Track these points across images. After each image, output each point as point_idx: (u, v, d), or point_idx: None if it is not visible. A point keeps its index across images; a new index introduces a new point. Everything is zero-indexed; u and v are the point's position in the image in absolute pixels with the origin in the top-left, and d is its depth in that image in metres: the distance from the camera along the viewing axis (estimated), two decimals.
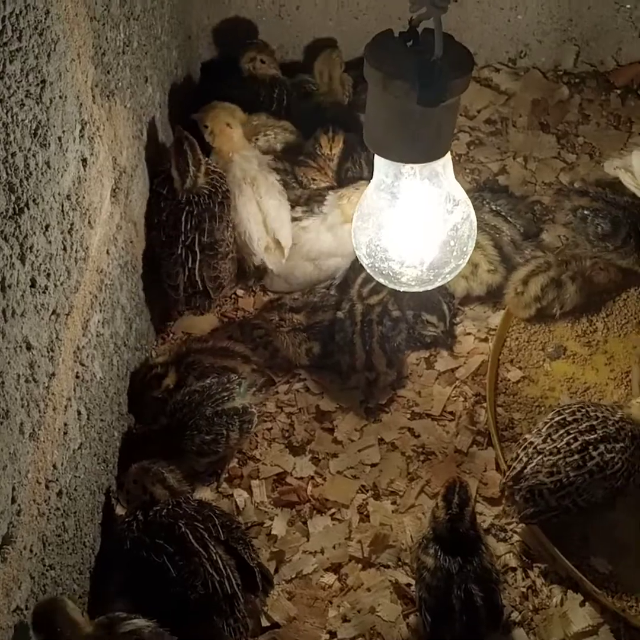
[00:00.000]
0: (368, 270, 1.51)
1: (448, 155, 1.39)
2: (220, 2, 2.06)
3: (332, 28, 2.10)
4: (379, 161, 1.40)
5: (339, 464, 1.67)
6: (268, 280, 1.87)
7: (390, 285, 1.51)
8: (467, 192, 1.87)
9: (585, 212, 1.81)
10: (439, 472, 1.63)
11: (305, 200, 1.86)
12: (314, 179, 1.88)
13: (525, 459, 1.50)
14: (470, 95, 2.25)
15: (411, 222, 1.45)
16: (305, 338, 1.74)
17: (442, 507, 1.37)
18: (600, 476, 1.47)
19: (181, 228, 1.66)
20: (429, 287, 1.50)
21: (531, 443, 1.51)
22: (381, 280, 1.51)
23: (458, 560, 1.35)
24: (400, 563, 1.54)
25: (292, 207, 1.88)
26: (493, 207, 1.90)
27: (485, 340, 1.81)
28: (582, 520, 1.54)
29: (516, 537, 1.56)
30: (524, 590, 1.50)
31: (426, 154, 1.35)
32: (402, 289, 1.53)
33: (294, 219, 1.85)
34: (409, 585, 1.50)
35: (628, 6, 2.10)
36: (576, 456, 1.46)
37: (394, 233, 1.46)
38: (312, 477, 1.65)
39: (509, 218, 1.90)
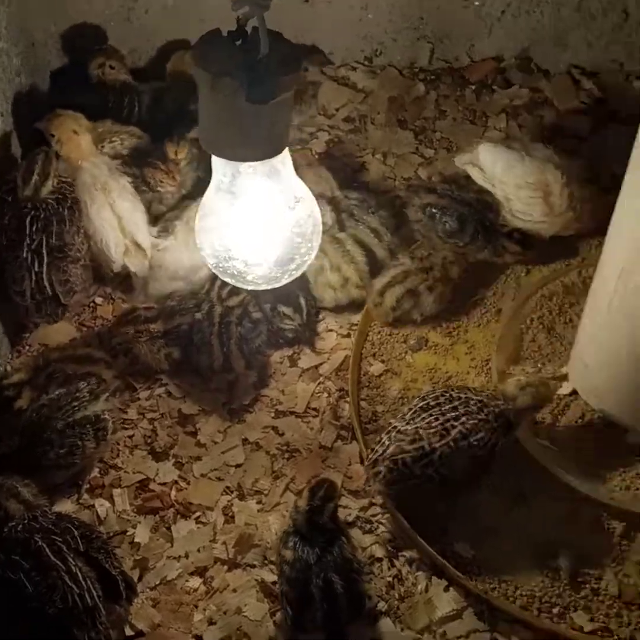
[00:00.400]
0: (214, 271, 1.50)
1: (286, 152, 1.39)
2: (66, 8, 2.01)
3: (183, 31, 2.08)
4: (216, 161, 1.39)
5: (202, 467, 1.64)
6: (139, 296, 1.83)
7: (238, 285, 1.50)
8: (331, 191, 1.89)
9: (433, 210, 1.84)
10: (303, 468, 1.62)
11: (156, 222, 1.83)
12: (161, 182, 1.86)
13: (387, 442, 1.51)
14: (328, 94, 2.26)
15: (252, 220, 1.44)
16: (164, 344, 1.72)
17: (306, 499, 1.36)
18: (464, 443, 1.48)
19: (25, 231, 1.62)
20: (277, 285, 1.50)
21: (395, 427, 1.52)
22: (228, 280, 1.50)
23: (316, 551, 1.34)
24: (266, 562, 1.52)
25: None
26: (357, 210, 1.90)
27: (348, 336, 1.81)
28: (446, 506, 1.54)
29: (382, 528, 1.56)
30: (390, 579, 1.50)
31: (261, 151, 1.34)
32: (249, 288, 1.52)
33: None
34: (275, 583, 1.49)
35: (477, 3, 2.13)
36: (439, 428, 1.49)
37: (236, 232, 1.45)
38: (176, 482, 1.63)
39: (373, 216, 1.90)
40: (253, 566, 1.52)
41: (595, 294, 1.52)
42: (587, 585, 1.48)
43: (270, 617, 1.46)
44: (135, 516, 1.58)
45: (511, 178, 1.85)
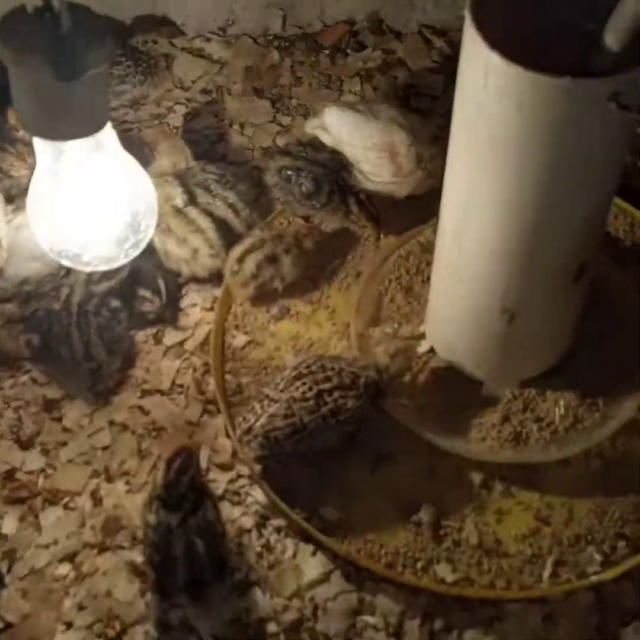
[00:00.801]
0: (51, 255, 1.48)
1: (109, 128, 1.37)
2: None
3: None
4: (36, 141, 1.37)
5: (69, 452, 1.64)
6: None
7: (77, 267, 1.49)
8: (187, 162, 1.88)
9: (289, 172, 1.83)
10: (169, 446, 1.62)
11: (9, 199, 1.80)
12: (12, 165, 1.82)
13: (259, 411, 1.53)
14: (183, 67, 2.25)
15: (81, 200, 1.43)
16: (23, 330, 1.69)
17: (162, 472, 1.40)
18: (333, 421, 1.50)
19: None
20: (115, 265, 1.50)
21: (267, 396, 1.54)
22: (66, 263, 1.49)
23: (179, 515, 1.38)
24: (135, 542, 1.53)
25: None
26: (214, 185, 1.89)
27: (212, 309, 1.81)
28: (311, 472, 1.56)
29: (250, 499, 1.59)
30: (259, 549, 1.53)
31: (79, 129, 1.33)
32: (87, 270, 1.51)
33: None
34: (144, 562, 1.49)
35: None
36: (311, 402, 1.50)
37: (65, 213, 1.43)
38: (43, 469, 1.62)
39: (230, 189, 1.89)
40: (122, 548, 1.53)
41: (438, 254, 1.55)
42: (449, 537, 1.52)
43: (141, 597, 1.47)
44: (2, 507, 1.57)
45: (358, 140, 1.86)
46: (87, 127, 1.34)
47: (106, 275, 1.72)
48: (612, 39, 1.17)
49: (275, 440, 1.50)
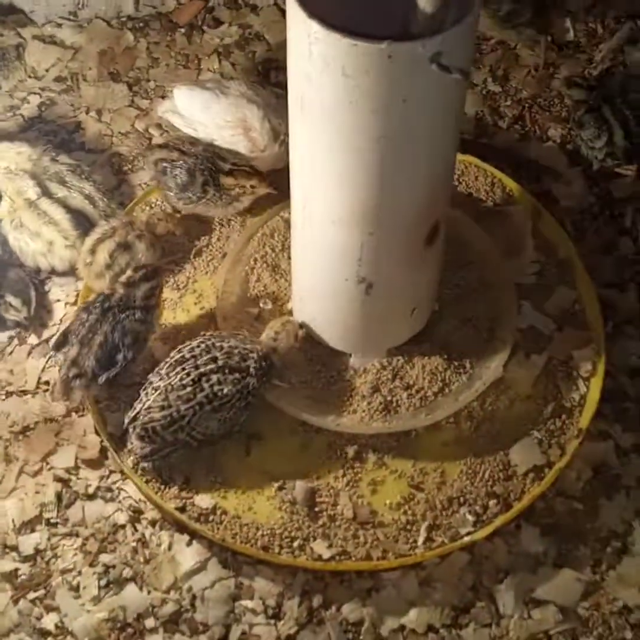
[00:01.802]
0: None
1: None
2: None
3: None
4: None
5: None
6: None
7: None
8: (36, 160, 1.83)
9: (165, 164, 1.80)
10: (36, 447, 1.61)
11: None
12: None
13: (144, 399, 1.51)
14: (35, 55, 2.19)
15: None
16: None
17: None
18: (209, 408, 1.49)
19: None
20: None
21: (151, 383, 1.52)
22: None
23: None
24: (6, 550, 1.49)
25: None
26: (68, 176, 1.85)
27: (75, 303, 1.77)
28: (186, 459, 1.54)
29: (123, 494, 1.57)
30: (134, 544, 1.52)
31: None
32: None
33: None
34: (16, 570, 1.47)
35: None
36: (188, 389, 1.48)
37: None
38: None
39: (86, 180, 1.85)
40: None
41: (293, 228, 1.54)
42: (324, 513, 1.52)
43: (13, 605, 1.44)
44: None
45: (209, 119, 1.83)
46: None
47: None
48: (424, 0, 1.16)
49: (153, 431, 1.48)
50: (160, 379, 1.48)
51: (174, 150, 1.82)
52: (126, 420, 1.51)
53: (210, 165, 1.80)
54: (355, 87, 1.21)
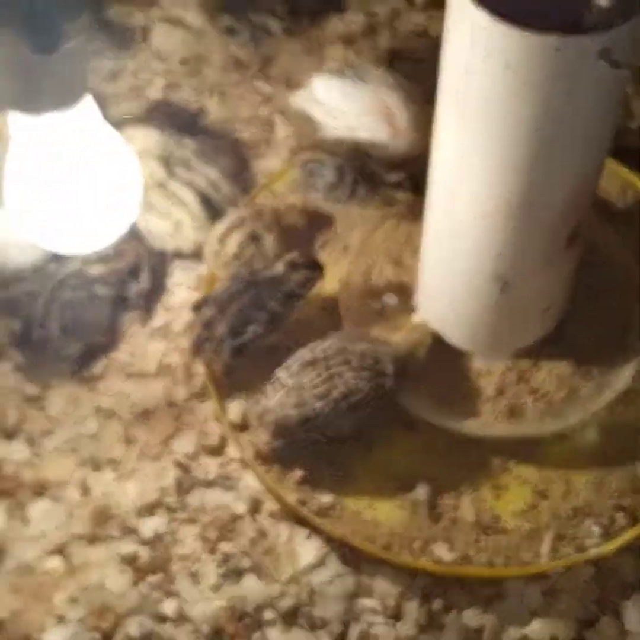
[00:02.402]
0: (31, 238, 1.44)
1: (90, 100, 1.33)
2: None
3: None
4: (12, 118, 1.33)
5: (55, 441, 1.62)
6: None
7: (59, 250, 1.45)
8: (167, 138, 1.83)
9: (310, 165, 1.76)
10: (156, 431, 1.60)
11: None
12: None
13: (272, 395, 1.49)
14: (161, 37, 2.19)
15: (62, 178, 1.38)
16: (3, 315, 1.66)
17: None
18: (345, 404, 1.46)
19: None
20: (100, 246, 1.45)
21: (278, 379, 1.50)
22: (55, 249, 1.45)
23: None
24: (125, 531, 1.50)
25: None
26: (194, 160, 1.84)
27: (198, 289, 1.77)
28: (307, 454, 1.52)
29: (243, 483, 1.56)
30: (254, 535, 1.51)
31: (58, 101, 1.30)
32: (71, 253, 1.47)
33: None
34: (136, 552, 1.47)
35: None
36: (322, 388, 1.45)
37: (45, 194, 1.39)
38: (29, 460, 1.58)
39: (211, 164, 1.85)
40: (113, 538, 1.51)
41: (427, 222, 1.52)
42: (446, 516, 1.49)
43: (134, 587, 1.44)
44: None
45: (350, 106, 1.80)
46: (66, 100, 1.31)
47: (89, 259, 1.67)
48: None
49: (287, 429, 1.46)
50: (291, 376, 1.46)
51: (320, 151, 1.78)
52: (253, 415, 1.50)
53: (360, 164, 1.75)
54: (518, 80, 1.17)
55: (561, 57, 1.16)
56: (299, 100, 1.97)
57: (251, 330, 1.57)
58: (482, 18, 1.17)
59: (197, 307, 1.62)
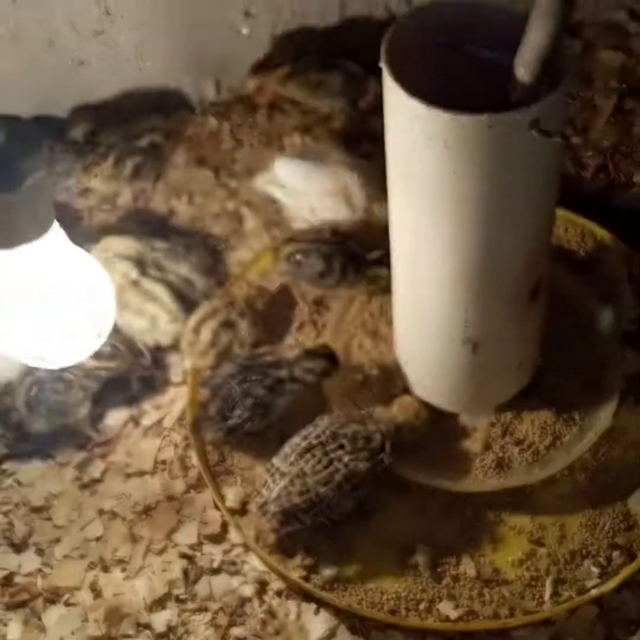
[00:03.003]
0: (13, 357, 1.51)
1: (56, 228, 1.41)
2: None
3: None
4: None
5: (63, 548, 1.65)
6: None
7: (41, 365, 1.52)
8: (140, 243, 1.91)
9: (297, 257, 1.82)
10: (159, 526, 1.64)
11: None
12: None
13: (271, 485, 1.53)
14: None
15: (36, 302, 1.46)
16: None
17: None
18: (348, 486, 1.51)
19: None
20: (81, 357, 1.52)
21: (277, 468, 1.54)
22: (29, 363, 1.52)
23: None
24: (140, 629, 1.53)
25: None
26: (164, 261, 1.91)
27: (185, 383, 1.82)
28: (306, 529, 1.57)
29: (247, 567, 1.59)
30: (263, 616, 1.54)
31: (26, 234, 1.37)
32: (53, 367, 1.54)
33: None
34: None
35: (244, 32, 2.17)
36: (323, 473, 1.51)
37: (21, 317, 1.47)
38: (40, 570, 1.63)
39: (181, 262, 1.92)
40: (128, 636, 1.54)
41: (394, 292, 1.58)
42: (447, 574, 1.53)
43: None
44: (4, 614, 1.58)
45: (311, 188, 1.88)
46: (34, 232, 1.38)
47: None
48: (522, 71, 1.21)
49: (294, 517, 1.51)
50: (291, 465, 1.51)
51: (301, 241, 1.84)
52: (256, 506, 1.55)
53: (343, 248, 1.81)
54: (458, 158, 1.25)
55: (494, 133, 1.24)
56: (260, 183, 2.05)
57: (237, 414, 1.63)
58: (417, 106, 1.25)
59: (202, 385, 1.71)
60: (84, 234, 1.93)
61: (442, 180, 1.29)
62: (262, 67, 2.25)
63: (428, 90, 1.25)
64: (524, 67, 1.23)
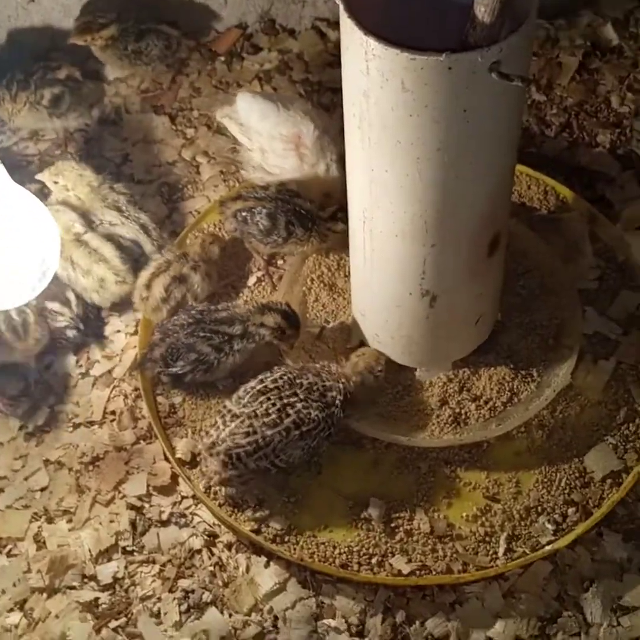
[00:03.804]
0: None
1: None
2: None
3: None
4: None
5: (6, 498, 1.61)
6: None
7: None
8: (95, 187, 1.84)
9: (244, 213, 1.78)
10: (107, 477, 1.61)
11: None
12: None
13: (222, 426, 1.49)
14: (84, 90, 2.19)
15: None
16: None
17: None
18: (297, 432, 1.48)
19: None
20: (22, 302, 1.47)
21: (229, 410, 1.51)
22: None
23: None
24: (85, 580, 1.49)
25: None
26: (125, 205, 1.86)
27: (136, 333, 1.77)
28: (262, 481, 1.54)
29: (197, 519, 1.56)
30: (212, 568, 1.51)
31: None
32: None
33: None
34: (96, 599, 1.46)
35: None
36: (273, 416, 1.47)
37: None
38: None
39: (142, 211, 1.86)
40: (72, 588, 1.50)
41: (352, 246, 1.54)
42: (401, 529, 1.51)
43: (96, 635, 1.44)
44: None
45: (265, 129, 1.83)
46: None
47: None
48: (482, 10, 1.17)
49: (237, 458, 1.48)
50: (243, 407, 1.48)
51: (248, 198, 1.80)
52: (203, 446, 1.49)
53: (290, 206, 1.78)
54: (416, 101, 1.21)
55: (454, 75, 1.20)
56: (220, 114, 1.99)
57: (179, 365, 1.59)
58: (373, 45, 1.20)
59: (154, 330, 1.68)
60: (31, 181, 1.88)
61: (399, 124, 1.25)
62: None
63: (388, 32, 1.20)
64: (483, 6, 1.18)
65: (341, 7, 1.21)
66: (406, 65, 1.18)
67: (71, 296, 1.74)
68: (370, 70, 1.22)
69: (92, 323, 1.77)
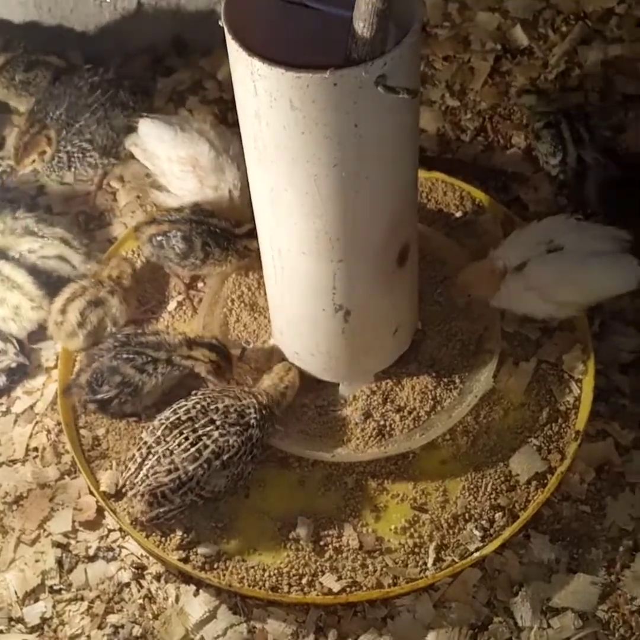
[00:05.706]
0: None
1: None
2: None
3: None
4: None
5: None
6: None
7: None
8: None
9: (159, 238, 1.76)
10: (31, 515, 1.59)
11: None
12: None
13: (139, 459, 1.48)
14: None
15: None
16: None
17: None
18: (218, 463, 1.46)
19: None
20: None
21: (146, 443, 1.49)
22: None
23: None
24: (12, 623, 1.47)
25: None
26: (36, 227, 1.84)
27: (56, 368, 1.75)
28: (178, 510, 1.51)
29: (125, 552, 1.54)
30: (141, 601, 1.49)
31: None
32: None
33: None
34: None
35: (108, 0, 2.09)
36: (191, 450, 1.45)
37: None
38: None
39: (50, 231, 1.84)
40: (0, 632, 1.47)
41: (264, 265, 1.53)
42: (330, 546, 1.50)
43: None
44: None
45: (163, 152, 1.82)
46: None
47: None
48: (361, 25, 1.16)
49: (162, 496, 1.46)
50: (158, 443, 1.46)
51: (162, 222, 1.78)
52: (124, 482, 1.49)
53: (205, 226, 1.76)
54: (306, 118, 1.20)
55: (340, 91, 1.20)
56: (128, 143, 1.98)
57: (104, 389, 1.57)
58: (258, 65, 1.20)
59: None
60: None
61: (292, 143, 1.25)
62: None
63: (278, 51, 1.19)
64: (362, 21, 1.18)
65: (225, 28, 1.21)
66: (292, 84, 1.18)
67: (11, 336, 1.73)
68: (258, 90, 1.21)
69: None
